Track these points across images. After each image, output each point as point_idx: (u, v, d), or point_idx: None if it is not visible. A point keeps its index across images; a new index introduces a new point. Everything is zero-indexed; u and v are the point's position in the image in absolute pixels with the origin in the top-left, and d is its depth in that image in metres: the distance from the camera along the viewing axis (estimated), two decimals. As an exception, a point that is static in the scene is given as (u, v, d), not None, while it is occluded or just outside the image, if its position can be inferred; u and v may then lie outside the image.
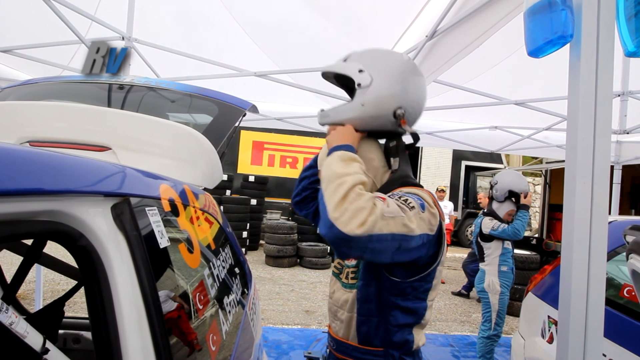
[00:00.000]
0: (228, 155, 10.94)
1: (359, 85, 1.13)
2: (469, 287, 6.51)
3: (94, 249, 0.66)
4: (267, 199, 10.31)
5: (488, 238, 3.49)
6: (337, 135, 1.12)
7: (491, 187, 3.65)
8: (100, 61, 1.64)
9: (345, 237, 0.88)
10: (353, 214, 0.88)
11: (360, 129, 1.15)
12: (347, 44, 3.36)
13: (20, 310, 1.50)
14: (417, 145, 1.23)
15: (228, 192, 9.03)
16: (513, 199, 3.51)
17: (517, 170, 4.41)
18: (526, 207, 3.37)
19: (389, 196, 1.03)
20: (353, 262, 1.20)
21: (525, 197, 3.40)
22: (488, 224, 3.47)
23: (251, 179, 9.75)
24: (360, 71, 1.13)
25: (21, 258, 1.27)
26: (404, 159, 1.20)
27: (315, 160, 1.37)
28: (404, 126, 1.14)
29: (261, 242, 9.60)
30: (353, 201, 0.89)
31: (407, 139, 1.23)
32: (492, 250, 3.49)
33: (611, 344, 1.78)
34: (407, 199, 1.00)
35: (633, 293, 1.92)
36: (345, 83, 1.24)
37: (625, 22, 0.95)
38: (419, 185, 1.16)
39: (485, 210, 3.66)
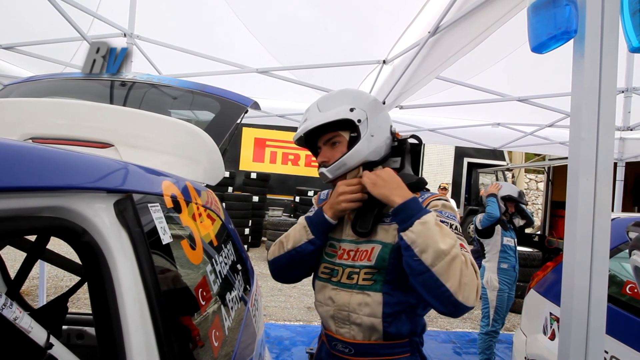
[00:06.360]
0: (230, 152, 10.95)
1: (359, 121, 1.16)
2: (470, 283, 6.52)
3: (97, 245, 0.67)
4: (269, 196, 10.33)
5: (485, 234, 3.54)
6: (387, 183, 1.08)
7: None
8: (100, 61, 1.64)
9: (470, 308, 0.97)
10: (471, 287, 0.96)
11: (375, 159, 1.19)
12: (349, 41, 3.35)
13: (24, 306, 1.51)
14: (419, 142, 1.29)
15: (230, 189, 9.04)
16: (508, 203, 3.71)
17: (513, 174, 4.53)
18: (491, 195, 3.53)
19: (439, 216, 1.07)
20: (364, 262, 1.15)
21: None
22: (477, 220, 3.62)
23: (253, 175, 9.77)
24: (352, 110, 1.16)
25: (25, 254, 1.28)
26: (407, 160, 1.25)
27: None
28: (399, 137, 1.23)
29: (263, 238, 9.62)
30: (465, 273, 0.96)
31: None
32: (491, 247, 3.57)
33: (613, 341, 1.78)
34: (456, 226, 1.09)
35: (636, 290, 1.92)
36: (333, 130, 1.21)
37: (630, 17, 0.94)
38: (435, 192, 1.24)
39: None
